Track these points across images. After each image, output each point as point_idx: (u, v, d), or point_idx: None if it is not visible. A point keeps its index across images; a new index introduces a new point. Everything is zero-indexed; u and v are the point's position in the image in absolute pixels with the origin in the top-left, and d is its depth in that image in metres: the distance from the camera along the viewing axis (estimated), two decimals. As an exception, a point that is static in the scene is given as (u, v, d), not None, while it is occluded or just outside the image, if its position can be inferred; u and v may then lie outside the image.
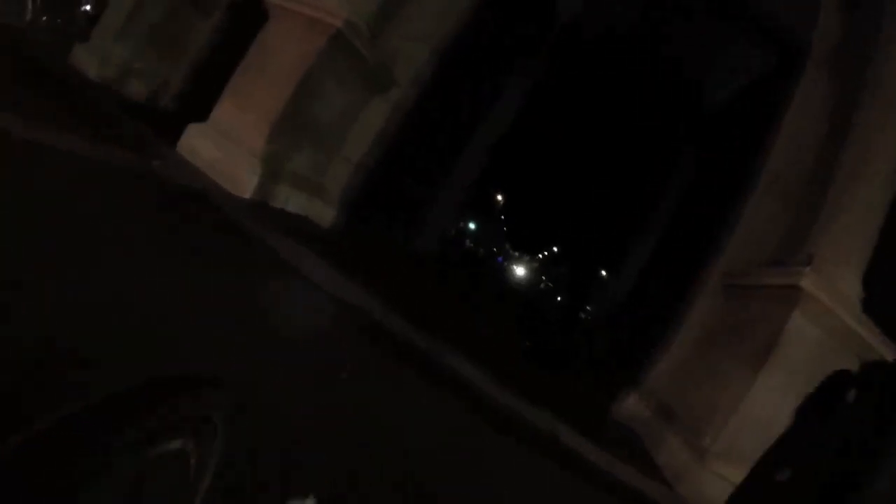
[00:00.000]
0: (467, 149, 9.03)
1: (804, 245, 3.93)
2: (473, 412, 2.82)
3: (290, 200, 4.89)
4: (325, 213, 5.49)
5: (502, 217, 27.76)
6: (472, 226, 27.44)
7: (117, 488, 0.59)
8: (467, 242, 23.50)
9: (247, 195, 4.16)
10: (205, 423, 0.81)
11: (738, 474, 3.20)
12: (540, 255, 28.48)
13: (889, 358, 3.42)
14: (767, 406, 3.30)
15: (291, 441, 1.49)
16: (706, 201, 5.94)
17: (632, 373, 5.32)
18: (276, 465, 1.35)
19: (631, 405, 4.85)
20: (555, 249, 26.30)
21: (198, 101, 4.49)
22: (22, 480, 0.49)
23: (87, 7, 9.03)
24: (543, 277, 27.01)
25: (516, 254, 28.90)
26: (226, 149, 4.16)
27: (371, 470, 1.60)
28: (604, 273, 14.41)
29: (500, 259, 25.71)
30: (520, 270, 27.00)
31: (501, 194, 24.42)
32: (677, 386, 4.56)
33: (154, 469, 0.67)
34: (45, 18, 8.20)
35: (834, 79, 4.89)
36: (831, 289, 3.38)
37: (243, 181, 4.15)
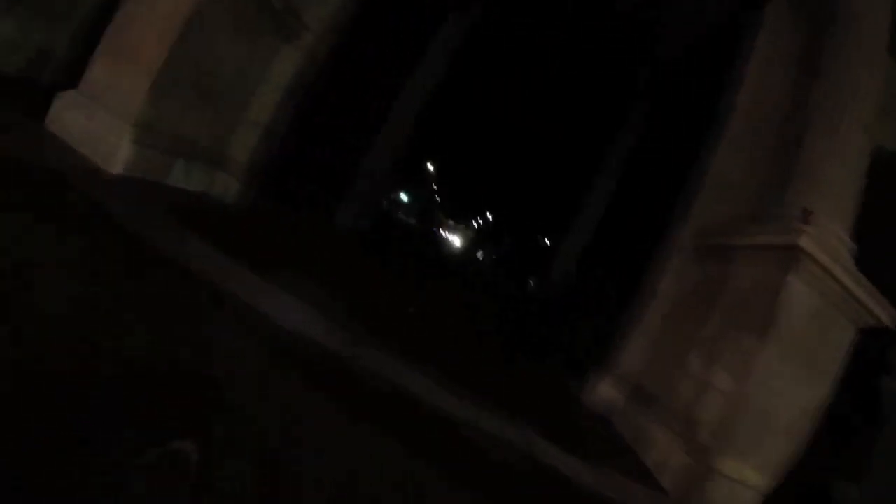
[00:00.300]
0: (394, 107, 8.29)
1: (785, 196, 3.69)
2: (429, 438, 2.28)
3: (186, 175, 4.31)
4: (229, 188, 4.86)
5: (435, 186, 27.13)
6: (402, 197, 26.62)
7: (118, 488, 0.75)
8: (399, 215, 22.79)
9: (121, 171, 3.52)
10: (204, 424, 1.06)
11: (748, 472, 2.92)
12: (479, 225, 28.31)
13: (886, 321, 3.26)
14: (771, 388, 3.03)
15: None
16: (665, 155, 5.70)
17: (598, 353, 5.04)
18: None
19: (602, 391, 4.53)
20: (496, 218, 26.12)
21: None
22: (22, 480, 0.65)
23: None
24: (485, 249, 26.90)
25: (453, 224, 28.56)
26: (99, 118, 3.52)
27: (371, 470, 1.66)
28: (548, 241, 14.31)
29: (436, 232, 25.23)
30: (459, 242, 26.71)
31: (433, 159, 23.71)
32: (653, 366, 4.29)
33: (154, 469, 0.84)
34: None
35: (801, 13, 4.68)
36: (828, 248, 3.13)
37: (117, 155, 3.52)
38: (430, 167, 25.22)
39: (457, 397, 2.77)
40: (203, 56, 3.97)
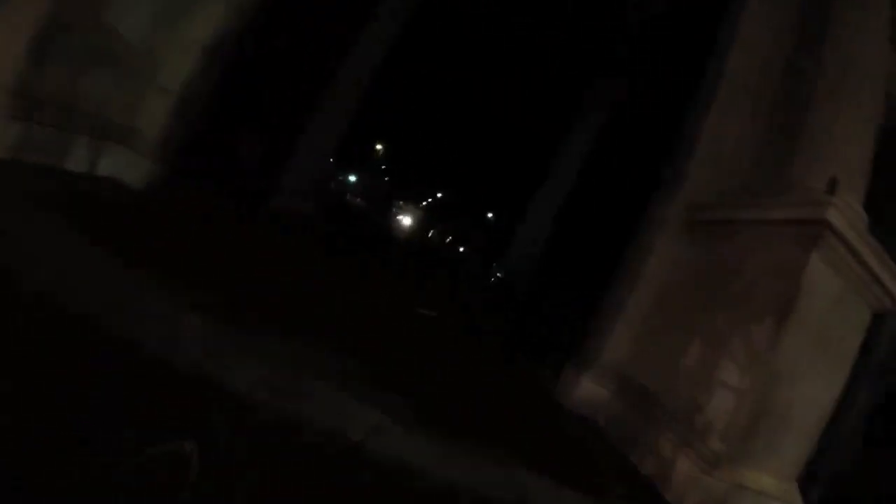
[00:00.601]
0: (338, 76, 7.55)
1: (794, 167, 3.41)
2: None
3: (88, 156, 3.73)
4: (138, 169, 4.18)
5: (384, 166, 26.33)
6: (350, 178, 25.72)
7: (118, 487, 0.77)
8: (347, 197, 22.01)
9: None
10: (204, 424, 1.06)
11: (766, 480, 2.59)
12: (431, 205, 27.80)
13: (905, 303, 3.05)
14: (790, 382, 2.74)
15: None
16: (644, 125, 5.38)
17: (574, 342, 4.69)
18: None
19: (584, 388, 4.16)
20: (451, 197, 25.63)
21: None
22: (22, 480, 0.65)
23: None
24: (441, 231, 26.48)
25: (403, 204, 27.93)
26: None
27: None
28: (509, 222, 14.01)
29: (387, 214, 24.57)
30: (411, 224, 26.15)
31: (382, 136, 22.87)
32: (643, 359, 3.97)
33: (154, 469, 0.86)
34: None
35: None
36: (851, 223, 2.84)
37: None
38: (379, 146, 24.39)
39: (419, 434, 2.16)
40: (101, 11, 3.32)
